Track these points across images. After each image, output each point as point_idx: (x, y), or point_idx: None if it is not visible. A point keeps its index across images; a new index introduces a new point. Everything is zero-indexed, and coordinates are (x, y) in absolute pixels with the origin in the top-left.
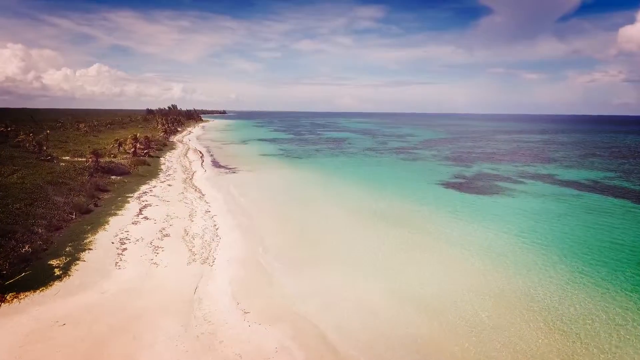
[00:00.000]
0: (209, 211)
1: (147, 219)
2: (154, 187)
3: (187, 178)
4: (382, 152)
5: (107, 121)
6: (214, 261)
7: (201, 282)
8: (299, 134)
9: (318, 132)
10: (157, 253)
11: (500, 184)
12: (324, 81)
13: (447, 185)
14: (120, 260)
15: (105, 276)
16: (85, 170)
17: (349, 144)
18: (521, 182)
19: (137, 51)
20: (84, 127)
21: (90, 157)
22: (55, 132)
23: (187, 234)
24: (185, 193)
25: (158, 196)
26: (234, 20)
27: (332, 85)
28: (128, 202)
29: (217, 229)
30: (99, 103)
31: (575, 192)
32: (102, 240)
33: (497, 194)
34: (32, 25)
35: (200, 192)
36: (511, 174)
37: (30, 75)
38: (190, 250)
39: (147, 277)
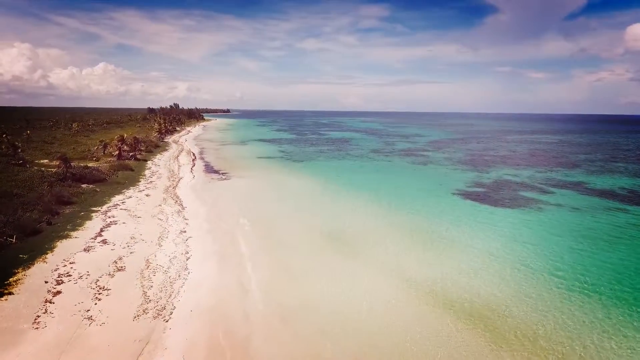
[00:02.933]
0: (185, 231)
1: (106, 242)
2: (129, 197)
3: (170, 186)
4: (389, 154)
5: (104, 120)
6: (171, 312)
7: (144, 354)
8: (301, 134)
9: (322, 132)
10: (99, 299)
11: (526, 194)
12: (329, 80)
13: (465, 195)
14: (45, 311)
15: (10, 343)
16: (52, 177)
17: (354, 145)
18: (549, 192)
19: (142, 50)
20: (77, 126)
21: (58, 162)
22: (43, 132)
23: (148, 266)
24: (163, 206)
25: (129, 210)
26: (238, 19)
27: (337, 84)
28: (91, 218)
29: (188, 259)
30: (105, 102)
31: (615, 205)
32: (34, 278)
33: (524, 207)
34: (39, 25)
35: (181, 204)
36: (535, 181)
37: (37, 74)
38: (145, 293)
39: (69, 344)
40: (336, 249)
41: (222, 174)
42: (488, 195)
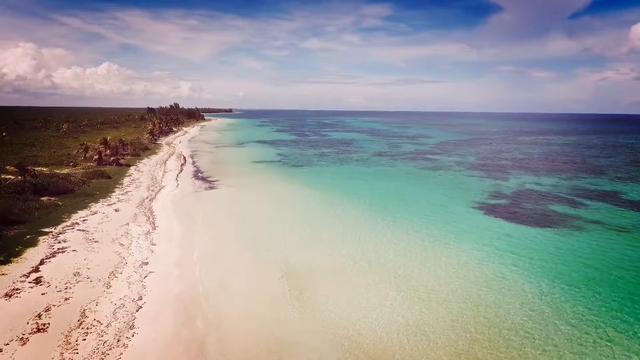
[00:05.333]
0: (147, 263)
1: (39, 282)
2: (94, 213)
3: (147, 198)
4: (395, 158)
5: (99, 120)
6: None
7: None
8: (302, 135)
9: (323, 133)
10: None
11: (555, 208)
12: (332, 79)
13: (484, 209)
14: None
15: None
16: (8, 189)
17: (357, 147)
18: (582, 206)
19: (146, 50)
20: (67, 127)
21: (14, 170)
22: (29, 134)
23: (81, 323)
24: (131, 225)
25: (88, 231)
26: (242, 19)
27: (340, 83)
28: (36, 243)
29: (139, 309)
30: (108, 101)
31: None
32: None
33: (559, 227)
34: (43, 24)
35: (153, 222)
36: (561, 191)
37: (41, 74)
38: None
39: None
40: (328, 293)
41: (211, 181)
42: (512, 210)
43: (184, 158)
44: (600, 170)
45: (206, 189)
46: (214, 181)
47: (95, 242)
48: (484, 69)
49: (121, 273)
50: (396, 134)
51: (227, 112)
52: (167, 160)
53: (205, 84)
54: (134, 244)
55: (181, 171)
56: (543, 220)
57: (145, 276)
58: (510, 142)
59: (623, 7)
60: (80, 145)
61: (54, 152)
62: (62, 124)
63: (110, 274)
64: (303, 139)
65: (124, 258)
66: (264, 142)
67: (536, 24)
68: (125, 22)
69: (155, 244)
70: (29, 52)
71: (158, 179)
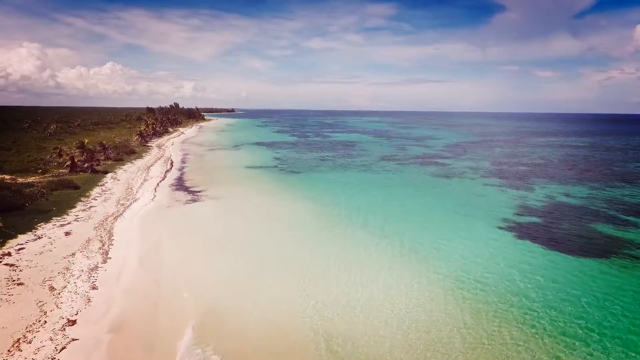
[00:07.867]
0: (74, 321)
1: None
2: (38, 238)
3: (112, 215)
4: (402, 162)
5: (93, 121)
6: None
7: None
8: (303, 136)
9: (325, 134)
10: None
11: (599, 228)
12: (335, 79)
13: (515, 231)
14: None
15: None
16: None
17: (361, 150)
18: (631, 226)
19: (149, 50)
20: (55, 128)
21: None
22: (9, 135)
23: None
24: (77, 255)
25: (18, 266)
26: (245, 19)
27: (343, 83)
28: None
29: None
30: (112, 101)
31: None
32: None
33: (610, 258)
34: (48, 25)
35: (106, 252)
36: (598, 204)
37: (46, 74)
38: None
39: None
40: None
41: (194, 192)
42: (549, 232)
43: (171, 163)
44: (632, 177)
45: (187, 202)
46: (198, 192)
47: (19, 284)
48: (488, 68)
49: (30, 342)
50: (401, 135)
51: (229, 112)
52: (152, 165)
53: (208, 83)
54: (70, 287)
55: (163, 179)
56: (588, 248)
57: (63, 348)
58: (523, 144)
59: (628, 5)
60: (54, 149)
61: (28, 156)
62: (51, 125)
63: (12, 346)
64: (304, 140)
65: (45, 313)
66: (261, 144)
67: (540, 23)
68: (128, 22)
69: (96, 288)
70: (33, 52)
71: (134, 189)
